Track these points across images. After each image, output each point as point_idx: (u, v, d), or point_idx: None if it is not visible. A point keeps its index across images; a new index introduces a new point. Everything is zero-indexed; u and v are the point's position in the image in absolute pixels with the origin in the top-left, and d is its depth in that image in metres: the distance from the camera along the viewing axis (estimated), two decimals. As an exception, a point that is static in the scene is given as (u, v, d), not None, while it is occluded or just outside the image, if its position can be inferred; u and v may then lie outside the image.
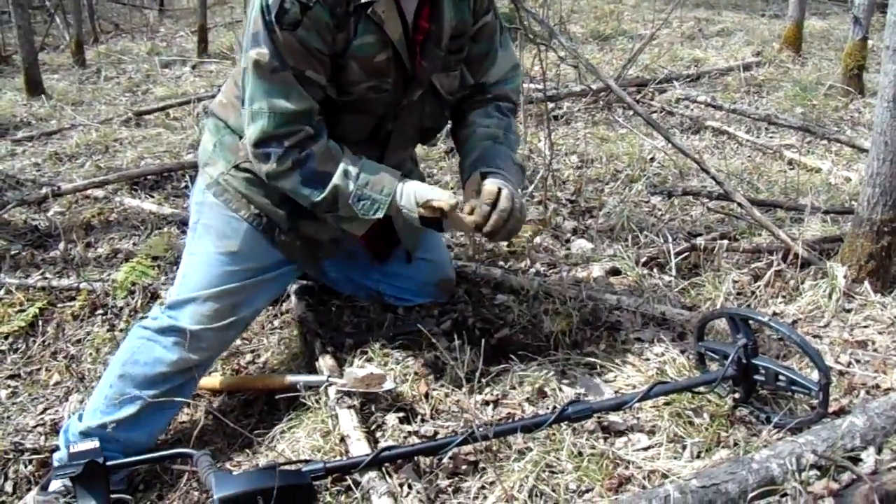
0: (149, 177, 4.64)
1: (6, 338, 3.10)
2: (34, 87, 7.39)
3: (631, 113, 5.39)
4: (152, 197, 4.40)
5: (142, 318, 2.60)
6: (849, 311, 2.83)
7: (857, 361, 2.51)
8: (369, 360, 2.57)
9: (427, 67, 2.42)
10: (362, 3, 2.23)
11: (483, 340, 2.54)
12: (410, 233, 2.75)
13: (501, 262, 3.30)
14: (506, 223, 2.28)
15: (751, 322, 2.26)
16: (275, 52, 2.19)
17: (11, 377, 3.00)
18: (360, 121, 2.43)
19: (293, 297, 3.07)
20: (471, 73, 2.61)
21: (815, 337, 2.67)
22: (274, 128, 2.24)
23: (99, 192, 4.39)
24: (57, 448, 2.51)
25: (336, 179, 2.26)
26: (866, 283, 2.90)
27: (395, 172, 2.35)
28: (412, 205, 2.29)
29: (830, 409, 2.16)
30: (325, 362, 2.57)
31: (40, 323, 3.17)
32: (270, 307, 3.10)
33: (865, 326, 2.73)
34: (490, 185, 2.30)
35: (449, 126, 2.76)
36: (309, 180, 2.28)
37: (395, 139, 2.52)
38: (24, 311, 3.20)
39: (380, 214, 2.29)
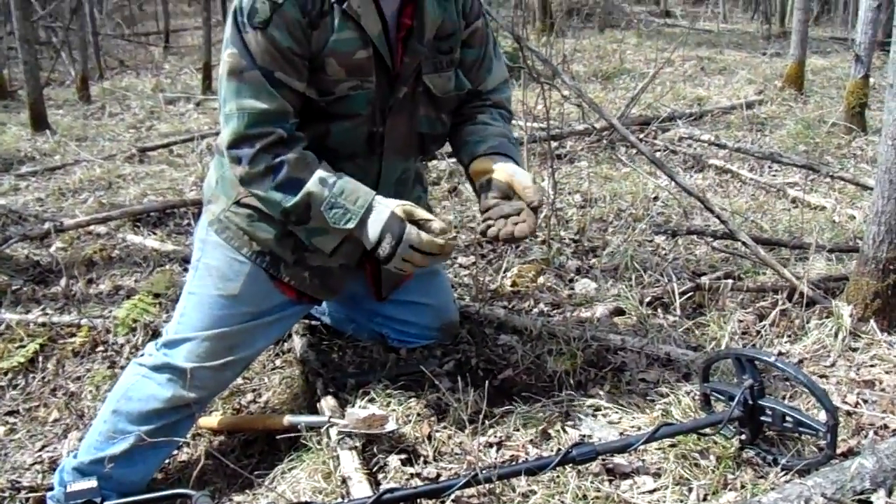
0: (151, 213, 4.64)
1: (6, 374, 3.08)
2: (39, 123, 7.44)
3: (634, 152, 5.40)
4: (155, 234, 4.40)
5: (139, 354, 2.59)
6: (855, 350, 2.81)
7: (865, 401, 2.49)
8: (371, 400, 2.55)
9: (409, 63, 2.41)
10: (337, 0, 2.24)
11: (486, 381, 2.51)
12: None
13: (504, 302, 3.28)
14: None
15: (757, 362, 2.24)
16: (244, 51, 2.20)
17: (10, 413, 2.98)
18: (350, 128, 2.40)
19: (295, 337, 3.05)
20: (468, 79, 2.61)
21: (821, 377, 2.65)
22: (245, 128, 2.22)
23: (102, 229, 4.40)
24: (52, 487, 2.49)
25: (310, 185, 2.23)
26: (872, 321, 2.87)
27: (371, 192, 2.30)
28: (386, 206, 2.25)
29: (839, 451, 2.14)
30: (327, 403, 2.54)
31: (40, 359, 3.15)
32: (272, 346, 3.08)
33: (872, 366, 2.71)
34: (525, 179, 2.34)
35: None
36: (281, 185, 2.24)
37: (389, 144, 2.48)
38: (24, 346, 3.19)
39: (351, 225, 2.24)
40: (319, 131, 2.35)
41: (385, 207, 2.24)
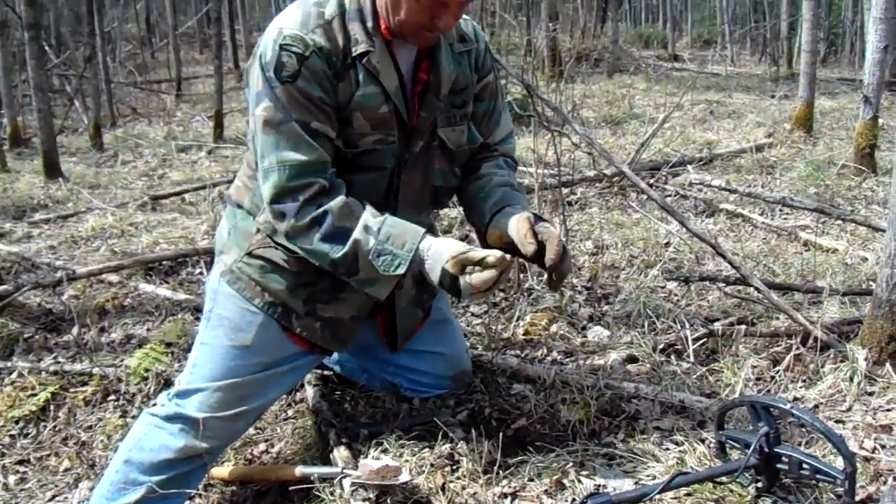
0: (164, 262, 4.65)
1: (17, 422, 3.07)
2: (52, 170, 7.50)
3: (645, 197, 5.41)
4: (167, 282, 4.41)
5: (151, 404, 2.59)
6: (871, 394, 2.78)
7: (883, 447, 2.46)
8: (385, 451, 2.54)
9: (426, 118, 2.43)
10: (358, 55, 2.27)
11: (500, 431, 2.50)
12: (410, 316, 2.74)
13: (517, 351, 3.28)
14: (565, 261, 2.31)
15: (772, 409, 2.23)
16: (279, 104, 2.22)
17: (20, 462, 2.98)
18: (372, 180, 2.42)
19: (308, 387, 3.05)
20: (479, 132, 2.63)
21: (837, 422, 2.63)
22: (287, 181, 2.23)
23: (114, 277, 4.41)
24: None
25: (356, 234, 2.23)
26: (888, 365, 2.85)
27: (419, 229, 2.30)
28: (438, 260, 2.22)
29: (857, 498, 2.11)
30: (340, 453, 2.53)
31: (52, 408, 3.15)
32: (285, 396, 3.08)
33: (889, 410, 2.68)
34: (544, 226, 2.33)
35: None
36: (328, 236, 2.24)
37: (404, 196, 2.50)
38: (35, 395, 3.19)
39: (401, 271, 2.23)
40: (343, 181, 2.35)
41: (436, 263, 2.22)
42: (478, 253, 2.20)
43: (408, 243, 2.24)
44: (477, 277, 2.16)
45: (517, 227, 2.34)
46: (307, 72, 2.21)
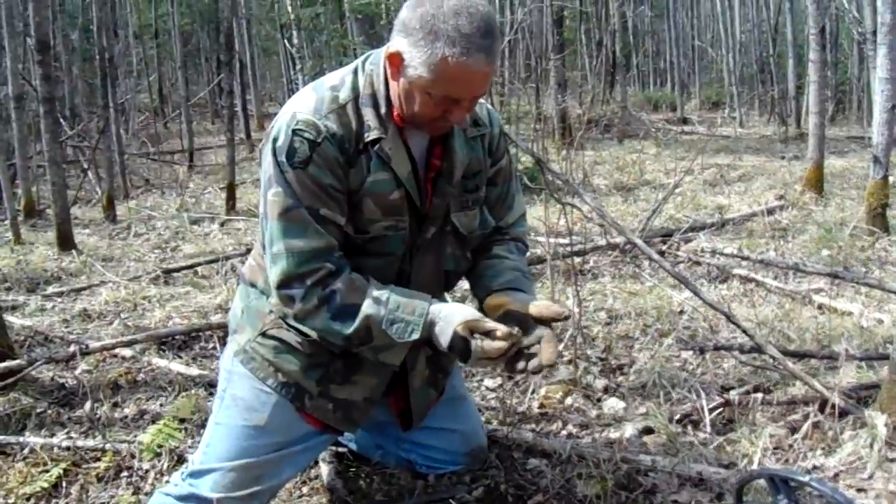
0: (177, 337, 4.65)
1: (28, 499, 3.03)
2: (65, 243, 7.52)
3: (658, 265, 5.41)
4: (180, 357, 4.40)
5: (164, 482, 2.58)
6: (892, 461, 2.75)
7: (906, 516, 2.44)
8: (401, 530, 2.52)
9: (439, 204, 2.45)
10: (370, 141, 2.29)
11: (517, 508, 2.49)
12: (424, 396, 2.73)
13: (532, 425, 3.26)
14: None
15: (791, 482, 2.20)
16: (289, 190, 2.24)
17: (33, 540, 2.96)
18: (381, 265, 2.42)
19: (322, 464, 3.03)
20: (492, 215, 2.65)
21: (859, 490, 2.60)
22: (294, 267, 2.25)
23: (127, 352, 4.39)
24: None
25: (366, 308, 2.25)
26: (908, 430, 2.83)
27: (426, 295, 2.34)
28: (450, 322, 2.26)
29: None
30: (356, 534, 2.52)
31: (64, 484, 3.11)
32: (299, 473, 3.06)
33: (912, 477, 2.66)
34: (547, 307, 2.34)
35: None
36: (338, 315, 2.26)
37: (415, 280, 2.50)
38: (47, 471, 3.15)
39: (416, 336, 2.25)
40: (352, 266, 2.37)
41: (448, 325, 2.25)
42: (489, 324, 2.25)
43: (418, 309, 2.27)
44: (489, 344, 2.21)
45: (538, 303, 2.37)
46: (319, 158, 2.23)
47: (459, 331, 2.23)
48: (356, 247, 2.38)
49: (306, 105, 2.29)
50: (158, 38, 24.11)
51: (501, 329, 2.23)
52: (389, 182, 2.33)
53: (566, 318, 2.37)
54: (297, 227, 2.25)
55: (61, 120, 12.07)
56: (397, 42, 2.19)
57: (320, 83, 2.37)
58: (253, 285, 2.56)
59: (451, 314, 2.27)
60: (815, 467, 2.77)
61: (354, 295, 2.27)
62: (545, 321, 2.33)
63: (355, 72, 2.36)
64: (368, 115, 2.30)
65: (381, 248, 2.40)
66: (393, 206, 2.35)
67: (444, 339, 2.25)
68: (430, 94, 2.18)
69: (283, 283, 2.28)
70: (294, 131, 2.24)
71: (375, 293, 2.28)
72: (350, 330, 2.26)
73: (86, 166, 11.90)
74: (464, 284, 2.85)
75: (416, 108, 2.24)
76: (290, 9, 13.98)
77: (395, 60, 2.20)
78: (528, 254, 2.86)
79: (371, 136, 2.29)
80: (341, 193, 2.29)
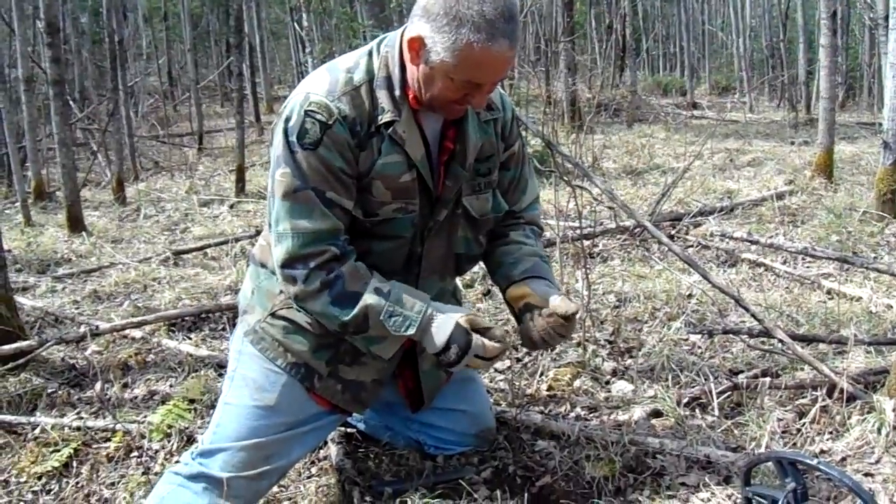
0: (186, 318, 4.66)
1: (39, 478, 3.05)
2: (75, 225, 7.57)
3: (667, 249, 5.41)
4: (190, 338, 4.41)
5: (174, 462, 2.59)
6: (900, 446, 2.76)
7: (913, 501, 2.44)
8: (409, 510, 2.54)
9: (451, 187, 2.46)
10: (383, 123, 2.29)
11: (524, 489, 2.50)
12: (433, 378, 2.75)
13: (541, 407, 3.27)
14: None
15: (799, 465, 2.21)
16: (297, 171, 2.25)
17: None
18: (391, 248, 2.45)
19: (331, 444, 3.05)
20: (504, 199, 2.66)
21: (866, 475, 2.60)
22: (298, 248, 2.26)
23: (137, 333, 4.42)
24: None
25: (367, 297, 2.27)
26: (916, 416, 2.83)
27: (426, 294, 2.38)
28: (451, 317, 2.31)
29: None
30: (364, 513, 2.53)
31: (74, 464, 3.13)
32: (308, 453, 3.08)
33: (919, 462, 2.66)
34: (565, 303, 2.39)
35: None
36: (338, 300, 2.28)
37: (427, 263, 2.53)
38: (58, 451, 3.17)
39: (411, 332, 2.29)
40: (361, 249, 2.38)
41: (450, 318, 2.30)
42: (485, 322, 2.35)
43: (417, 305, 2.32)
44: (489, 343, 2.29)
45: (556, 300, 2.41)
46: (329, 140, 2.24)
47: (462, 322, 2.29)
48: (365, 230, 2.39)
49: (320, 86, 2.29)
50: (168, 20, 24.04)
51: (497, 330, 2.33)
52: (401, 164, 2.34)
53: (575, 312, 2.39)
54: (303, 207, 2.26)
55: (71, 103, 12.08)
56: (418, 27, 2.18)
57: (335, 64, 2.37)
58: (263, 266, 2.57)
59: (451, 312, 2.33)
60: (822, 451, 2.77)
61: (357, 283, 2.29)
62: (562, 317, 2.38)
63: (370, 54, 2.36)
64: (383, 98, 2.30)
65: (390, 230, 2.41)
66: (404, 188, 2.36)
67: (441, 335, 2.30)
68: (453, 78, 2.18)
69: (287, 263, 2.29)
70: (306, 112, 2.24)
71: (378, 284, 2.31)
72: (348, 317, 2.28)
73: (95, 149, 11.92)
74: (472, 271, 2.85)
75: (436, 91, 2.24)
76: (299, -8, 13.93)
77: (416, 45, 2.19)
78: (539, 237, 2.87)
79: (384, 118, 2.29)
80: (350, 177, 2.29)
